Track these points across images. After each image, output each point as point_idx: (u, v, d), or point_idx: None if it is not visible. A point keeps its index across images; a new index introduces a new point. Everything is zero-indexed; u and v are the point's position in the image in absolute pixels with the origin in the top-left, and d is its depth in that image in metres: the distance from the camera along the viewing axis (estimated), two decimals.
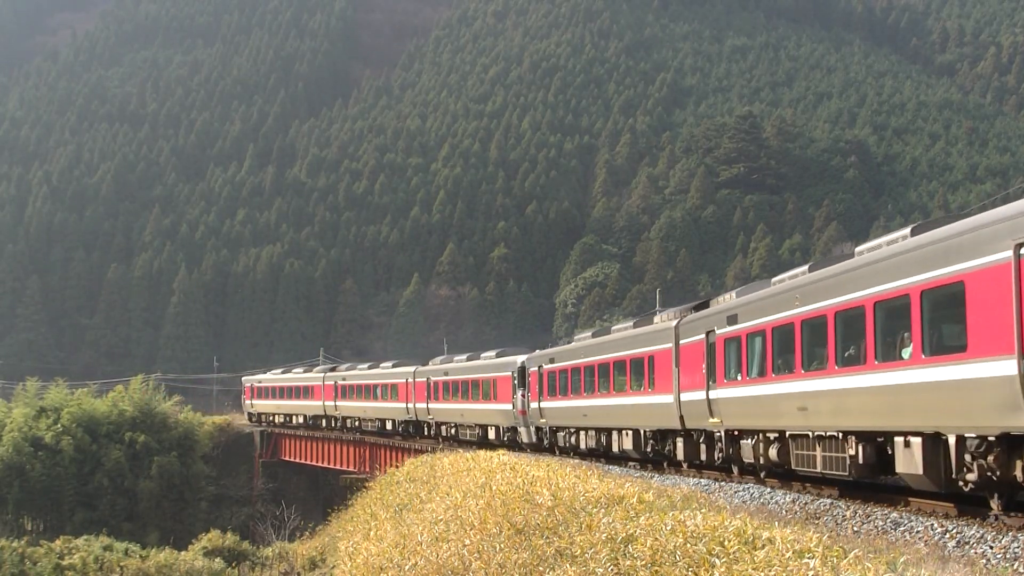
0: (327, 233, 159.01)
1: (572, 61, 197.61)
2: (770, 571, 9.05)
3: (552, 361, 36.11)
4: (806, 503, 17.96)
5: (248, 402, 76.54)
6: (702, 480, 23.71)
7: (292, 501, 60.31)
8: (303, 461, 69.12)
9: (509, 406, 40.20)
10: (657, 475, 25.66)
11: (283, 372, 75.56)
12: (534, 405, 37.66)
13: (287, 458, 72.00)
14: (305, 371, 71.39)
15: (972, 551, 12.30)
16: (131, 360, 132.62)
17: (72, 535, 52.71)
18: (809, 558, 9.12)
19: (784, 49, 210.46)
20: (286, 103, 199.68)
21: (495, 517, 16.22)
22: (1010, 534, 12.93)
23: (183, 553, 49.28)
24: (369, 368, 59.69)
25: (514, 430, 40.45)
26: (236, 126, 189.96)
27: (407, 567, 16.82)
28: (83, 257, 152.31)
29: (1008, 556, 11.86)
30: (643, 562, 10.69)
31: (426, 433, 51.36)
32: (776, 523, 11.99)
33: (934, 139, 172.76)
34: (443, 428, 48.78)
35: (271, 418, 73.69)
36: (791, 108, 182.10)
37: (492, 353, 45.10)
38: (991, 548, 12.38)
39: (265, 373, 79.46)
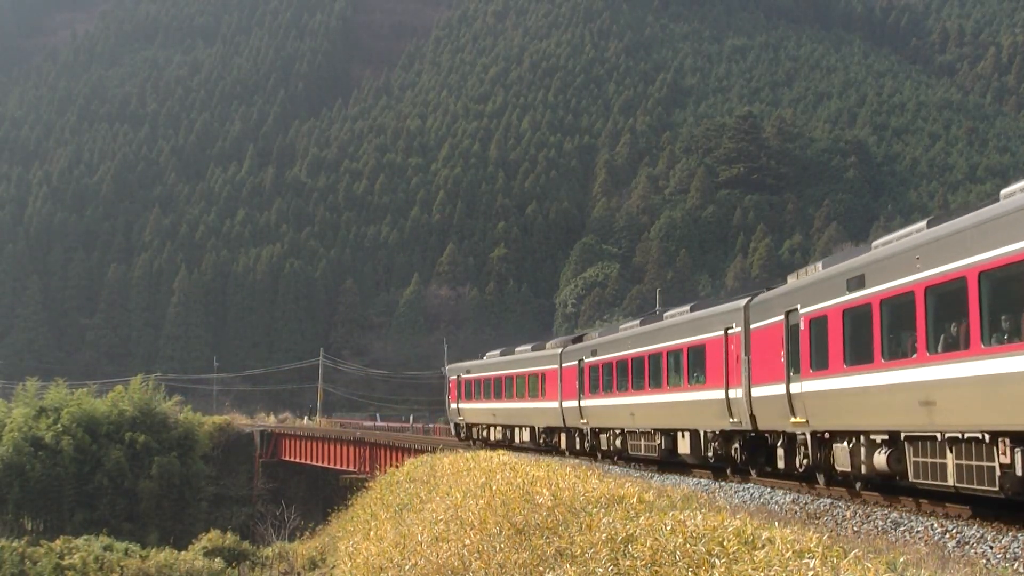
0: (327, 233, 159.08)
1: (572, 61, 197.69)
2: (770, 571, 9.05)
3: None
4: (806, 503, 17.97)
5: (454, 406, 48.53)
6: (702, 480, 23.82)
7: (292, 501, 60.16)
8: (303, 461, 69.05)
9: None
10: (657, 475, 25.74)
11: (502, 354, 45.13)
12: None
13: (287, 458, 71.92)
14: (535, 348, 41.06)
15: (972, 551, 12.30)
16: (131, 360, 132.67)
17: (72, 535, 52.67)
18: (809, 558, 9.12)
19: (784, 49, 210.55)
20: (286, 103, 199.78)
21: (495, 517, 16.22)
22: (1010, 534, 12.94)
23: (183, 553, 49.28)
24: (641, 323, 30.30)
25: None
26: (236, 126, 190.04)
27: (407, 567, 16.83)
28: (83, 257, 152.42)
29: (1008, 556, 11.87)
30: (643, 562, 10.69)
31: (800, 464, 19.84)
32: (776, 523, 11.99)
33: (934, 139, 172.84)
34: (847, 451, 17.45)
35: (484, 433, 44.76)
36: (791, 108, 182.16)
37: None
38: (991, 548, 12.39)
39: (482, 358, 48.20)
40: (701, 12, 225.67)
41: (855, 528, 14.88)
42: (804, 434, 19.05)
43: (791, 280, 20.66)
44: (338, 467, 61.97)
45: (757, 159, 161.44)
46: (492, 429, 43.54)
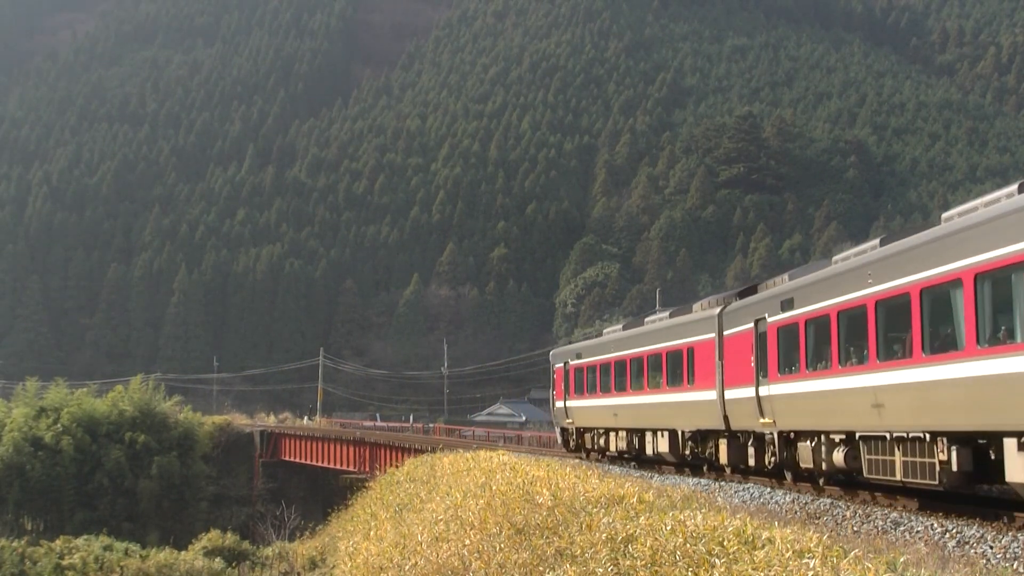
0: (327, 233, 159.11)
1: (572, 61, 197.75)
2: (770, 571, 9.05)
3: None
4: (806, 503, 17.97)
5: (560, 404, 35.92)
6: (702, 480, 23.73)
7: (292, 501, 60.18)
8: (303, 461, 69.04)
9: None
10: (657, 475, 25.64)
11: (625, 327, 32.12)
12: None
13: (287, 458, 71.91)
14: (675, 313, 28.11)
15: (972, 551, 12.30)
16: (131, 360, 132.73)
17: (72, 535, 52.66)
18: (809, 558, 9.11)
19: (784, 49, 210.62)
20: (286, 103, 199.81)
21: (495, 517, 16.22)
22: (1010, 534, 12.94)
23: (183, 553, 49.26)
24: (882, 242, 17.14)
25: None
26: (236, 126, 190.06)
27: (407, 567, 16.83)
28: (83, 257, 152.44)
29: (1008, 556, 11.87)
30: (643, 562, 10.68)
31: None
32: (776, 523, 11.98)
33: (934, 139, 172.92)
34: None
35: (600, 441, 32.36)
36: (791, 108, 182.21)
37: None
38: (991, 548, 12.39)
39: (601, 335, 34.34)
40: (701, 12, 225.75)
41: (855, 528, 14.88)
42: None
43: None
44: (338, 467, 61.96)
45: (757, 159, 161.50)
46: (613, 435, 31.00)
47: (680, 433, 25.75)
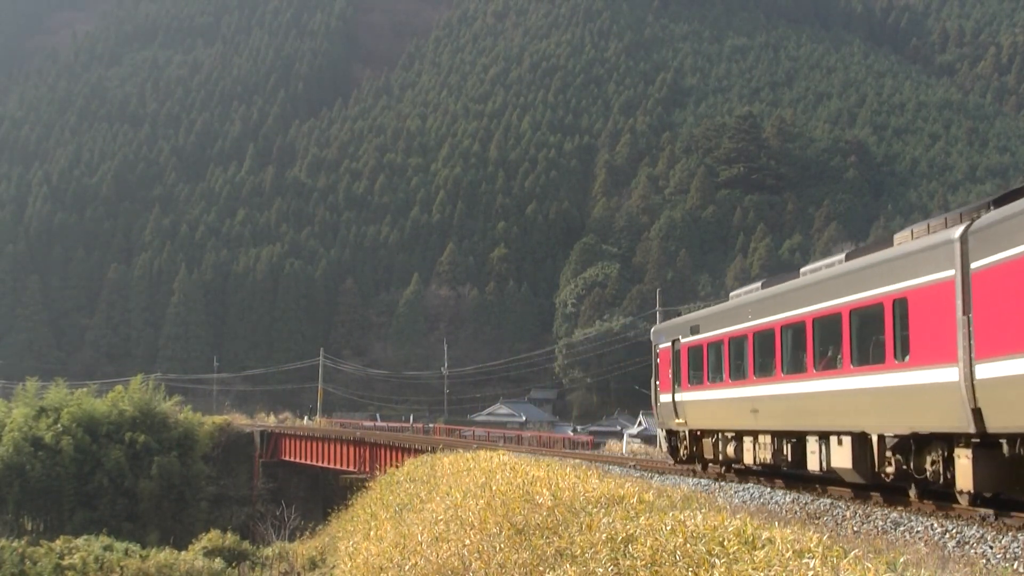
0: (327, 233, 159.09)
1: (572, 61, 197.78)
2: (770, 571, 9.04)
3: None
4: (806, 503, 17.96)
5: (666, 398, 26.32)
6: (702, 480, 23.67)
7: (292, 501, 60.13)
8: (303, 461, 69.01)
9: None
10: (657, 475, 25.59)
11: (764, 286, 21.64)
12: None
13: (287, 458, 71.87)
14: (853, 254, 17.95)
15: (972, 551, 12.30)
16: (131, 360, 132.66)
17: (72, 535, 52.61)
18: (809, 558, 9.11)
19: (784, 49, 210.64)
20: (286, 103, 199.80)
21: (495, 517, 16.21)
22: (1010, 534, 12.94)
23: (183, 553, 49.23)
24: None
25: None
26: (236, 126, 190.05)
27: (407, 567, 16.83)
28: (83, 257, 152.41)
29: (1008, 556, 11.86)
30: (643, 562, 10.68)
31: None
32: (776, 523, 11.98)
33: (934, 139, 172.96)
34: None
35: (728, 449, 22.66)
36: (791, 108, 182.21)
37: None
38: (991, 548, 12.39)
39: (736, 297, 23.53)
40: (701, 12, 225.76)
41: (855, 528, 14.87)
42: None
43: None
44: (338, 467, 61.94)
45: (757, 159, 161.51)
46: (749, 441, 21.68)
47: (875, 439, 16.48)
